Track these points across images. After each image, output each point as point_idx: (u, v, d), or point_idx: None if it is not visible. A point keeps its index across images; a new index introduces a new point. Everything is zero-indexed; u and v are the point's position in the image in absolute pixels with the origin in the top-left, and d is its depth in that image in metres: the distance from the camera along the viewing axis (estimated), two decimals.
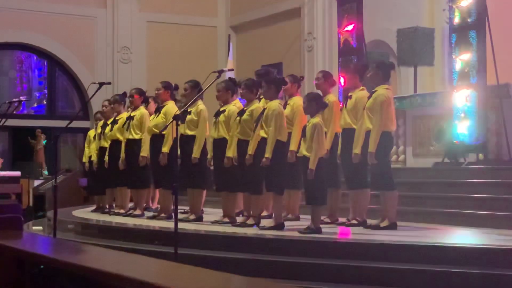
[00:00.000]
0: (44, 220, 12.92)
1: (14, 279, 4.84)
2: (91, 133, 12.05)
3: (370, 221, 8.64)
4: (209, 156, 9.47)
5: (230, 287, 3.63)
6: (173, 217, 7.43)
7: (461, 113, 10.43)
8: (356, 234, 8.31)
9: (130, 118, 10.62)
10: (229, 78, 10.05)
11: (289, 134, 8.72)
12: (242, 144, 8.74)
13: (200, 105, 9.56)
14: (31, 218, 14.14)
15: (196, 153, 9.42)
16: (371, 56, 12.77)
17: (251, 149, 8.58)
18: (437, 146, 11.12)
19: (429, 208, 9.51)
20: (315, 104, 8.23)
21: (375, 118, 8.28)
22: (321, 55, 16.38)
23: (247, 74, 10.67)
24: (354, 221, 8.83)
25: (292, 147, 8.72)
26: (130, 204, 11.14)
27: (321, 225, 8.23)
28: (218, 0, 19.69)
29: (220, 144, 9.15)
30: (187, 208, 10.10)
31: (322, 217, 8.69)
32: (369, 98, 8.46)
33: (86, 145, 12.14)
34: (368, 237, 7.87)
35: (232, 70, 10.77)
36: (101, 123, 11.59)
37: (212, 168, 9.53)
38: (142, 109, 10.66)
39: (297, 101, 9.21)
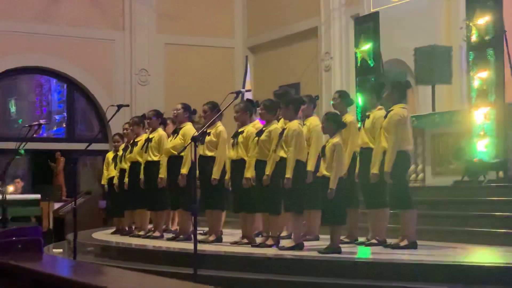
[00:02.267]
0: (64, 243, 12.96)
1: None
2: (110, 155, 12.06)
3: (389, 240, 8.60)
4: (226, 177, 9.47)
5: None
6: (193, 238, 7.43)
7: (480, 131, 10.39)
8: (376, 253, 8.28)
9: (148, 140, 10.65)
10: (247, 99, 10.05)
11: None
12: (260, 165, 8.74)
13: (219, 126, 9.58)
14: (51, 241, 14.17)
15: (216, 174, 9.43)
16: (388, 75, 12.74)
17: (268, 170, 8.58)
18: (457, 165, 11.05)
19: (449, 226, 9.45)
20: (333, 124, 8.23)
21: (390, 137, 8.27)
22: (339, 74, 16.41)
23: (265, 94, 10.69)
24: (374, 241, 8.80)
25: (309, 167, 8.71)
26: (150, 226, 11.15)
27: (340, 245, 8.21)
28: (235, 21, 19.78)
29: (238, 165, 9.13)
30: (206, 229, 10.10)
31: (342, 237, 8.67)
32: (385, 117, 8.45)
33: (105, 167, 12.13)
34: (388, 257, 7.84)
35: (249, 90, 10.78)
36: (122, 145, 11.61)
37: (230, 189, 9.53)
38: (160, 131, 10.70)
39: (314, 121, 9.23)
